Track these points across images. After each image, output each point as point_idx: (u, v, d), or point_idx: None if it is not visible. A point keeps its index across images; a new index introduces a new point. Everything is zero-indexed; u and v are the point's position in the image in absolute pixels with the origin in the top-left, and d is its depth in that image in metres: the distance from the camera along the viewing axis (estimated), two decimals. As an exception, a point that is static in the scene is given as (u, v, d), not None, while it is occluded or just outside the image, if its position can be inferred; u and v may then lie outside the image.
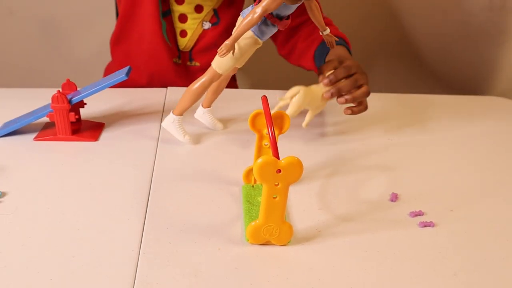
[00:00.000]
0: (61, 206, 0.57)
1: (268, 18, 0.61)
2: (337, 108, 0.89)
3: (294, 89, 0.71)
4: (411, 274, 0.49)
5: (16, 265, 0.47)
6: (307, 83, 0.74)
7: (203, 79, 0.67)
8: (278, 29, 0.63)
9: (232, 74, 0.72)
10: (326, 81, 0.73)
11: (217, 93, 0.75)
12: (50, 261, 0.48)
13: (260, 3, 0.58)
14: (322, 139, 0.77)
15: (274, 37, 0.97)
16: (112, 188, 0.61)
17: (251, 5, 0.62)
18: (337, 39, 0.72)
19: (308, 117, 0.74)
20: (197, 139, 0.75)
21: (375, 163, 0.71)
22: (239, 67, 0.68)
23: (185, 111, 0.71)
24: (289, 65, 1.25)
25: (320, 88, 0.73)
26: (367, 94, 0.74)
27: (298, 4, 0.59)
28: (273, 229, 0.51)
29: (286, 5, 0.59)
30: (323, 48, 0.86)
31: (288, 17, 0.63)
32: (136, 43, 0.98)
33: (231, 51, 0.61)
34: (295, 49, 0.94)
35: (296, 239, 0.53)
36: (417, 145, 0.77)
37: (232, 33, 0.61)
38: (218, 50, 0.61)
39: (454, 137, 0.81)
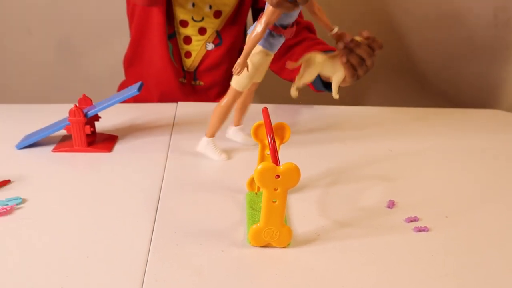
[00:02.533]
0: (77, 211, 0.61)
1: (273, 30, 0.64)
2: (339, 120, 0.93)
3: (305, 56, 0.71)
4: (404, 275, 0.52)
5: (36, 263, 0.51)
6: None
7: (226, 99, 0.70)
8: (285, 38, 0.66)
9: (254, 89, 0.75)
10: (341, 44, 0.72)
11: (243, 110, 0.78)
12: (67, 260, 0.52)
13: (261, 17, 0.62)
14: (323, 150, 0.81)
15: None
16: (124, 195, 0.65)
17: (256, 23, 0.66)
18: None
19: (333, 86, 0.74)
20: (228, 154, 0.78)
21: (374, 173, 0.74)
22: (258, 81, 0.71)
23: (216, 132, 0.74)
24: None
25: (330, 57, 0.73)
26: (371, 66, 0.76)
27: (299, 10, 0.62)
28: (273, 231, 0.54)
29: (286, 13, 0.62)
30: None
31: (292, 25, 0.65)
32: (146, 64, 1.03)
33: (245, 68, 0.64)
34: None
35: (295, 242, 0.57)
36: (416, 155, 0.80)
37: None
38: (233, 70, 0.64)
39: (452, 148, 0.84)
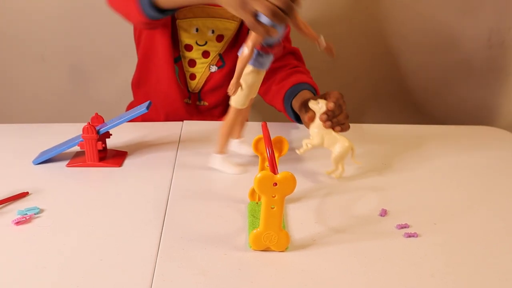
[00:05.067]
0: (90, 220, 0.66)
1: (260, 50, 0.69)
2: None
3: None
4: (395, 277, 0.56)
5: (54, 266, 0.56)
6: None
7: (228, 118, 0.76)
8: (273, 56, 0.71)
9: (250, 104, 0.79)
10: (324, 117, 0.78)
11: (241, 124, 0.83)
12: (82, 263, 0.56)
13: (247, 40, 0.67)
14: (321, 164, 0.85)
15: None
16: (133, 206, 0.70)
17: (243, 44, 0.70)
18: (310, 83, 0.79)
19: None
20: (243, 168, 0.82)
21: (368, 184, 0.78)
22: (253, 96, 0.76)
23: (224, 148, 0.79)
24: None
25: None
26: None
27: (283, 27, 0.67)
28: (272, 236, 0.58)
29: (278, 28, 0.67)
30: (291, 93, 0.96)
31: (279, 42, 0.70)
32: (153, 85, 1.10)
33: (239, 88, 0.69)
34: (269, 90, 1.04)
35: (293, 246, 0.61)
36: (408, 168, 0.85)
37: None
38: (228, 91, 0.69)
39: (443, 161, 0.88)
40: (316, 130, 0.78)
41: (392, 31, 1.57)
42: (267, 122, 0.67)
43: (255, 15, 0.66)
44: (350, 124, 0.80)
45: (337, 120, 0.78)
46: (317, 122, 0.78)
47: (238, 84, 0.69)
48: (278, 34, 0.67)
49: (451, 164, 0.87)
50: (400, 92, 1.68)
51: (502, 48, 1.63)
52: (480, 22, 1.57)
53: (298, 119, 0.95)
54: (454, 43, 1.60)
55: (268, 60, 0.72)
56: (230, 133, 0.78)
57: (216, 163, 0.80)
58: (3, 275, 0.54)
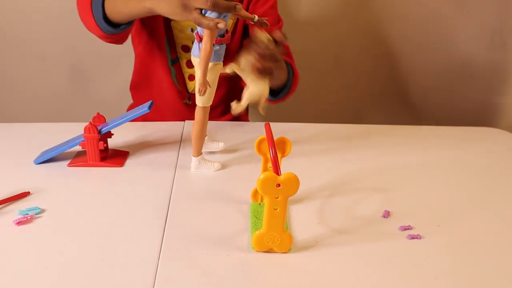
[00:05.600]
0: (91, 220, 0.65)
1: (215, 43, 0.70)
2: (338, 136, 0.98)
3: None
4: (398, 278, 0.56)
5: (55, 266, 0.56)
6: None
7: (197, 119, 0.77)
8: (226, 44, 0.73)
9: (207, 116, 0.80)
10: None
11: (202, 139, 0.81)
12: (83, 264, 0.56)
13: (204, 38, 0.68)
14: (323, 165, 0.85)
15: None
16: (135, 206, 0.69)
17: (196, 44, 0.71)
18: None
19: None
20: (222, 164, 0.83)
21: (371, 185, 0.78)
22: (214, 90, 0.77)
23: (201, 150, 0.80)
24: (298, 100, 1.33)
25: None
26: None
27: (228, 16, 0.69)
28: (275, 237, 0.58)
29: (223, 18, 0.68)
30: None
31: (227, 31, 0.72)
32: (151, 88, 1.10)
33: (207, 86, 0.71)
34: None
35: (296, 248, 0.60)
36: (410, 169, 0.84)
37: (196, 73, 0.71)
38: (197, 93, 0.71)
39: (445, 161, 0.88)
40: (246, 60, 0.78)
41: (394, 31, 1.57)
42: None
43: (200, 13, 0.68)
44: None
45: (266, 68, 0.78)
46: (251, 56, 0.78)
47: (206, 83, 0.71)
48: (225, 23, 0.69)
49: (453, 165, 0.87)
50: (402, 92, 1.67)
51: (504, 49, 1.63)
52: (483, 23, 1.57)
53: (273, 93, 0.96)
54: (456, 44, 1.60)
55: (223, 50, 0.73)
56: (202, 134, 0.79)
57: (196, 166, 0.80)
58: (4, 275, 0.54)
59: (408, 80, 1.65)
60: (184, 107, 1.09)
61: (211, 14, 0.68)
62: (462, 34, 1.58)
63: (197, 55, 0.72)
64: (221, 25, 0.68)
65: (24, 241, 0.60)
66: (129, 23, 0.92)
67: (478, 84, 1.67)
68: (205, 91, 0.70)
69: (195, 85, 0.73)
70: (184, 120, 1.05)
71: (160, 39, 1.03)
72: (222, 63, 0.74)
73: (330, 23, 1.53)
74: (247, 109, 1.23)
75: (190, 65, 1.07)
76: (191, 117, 1.11)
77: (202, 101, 0.76)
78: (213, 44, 0.70)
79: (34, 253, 0.58)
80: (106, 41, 0.96)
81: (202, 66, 0.69)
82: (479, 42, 1.60)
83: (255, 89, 0.80)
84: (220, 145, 0.87)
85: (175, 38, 1.04)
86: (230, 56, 1.06)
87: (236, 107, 0.82)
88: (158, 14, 0.78)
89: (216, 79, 0.75)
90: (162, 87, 1.08)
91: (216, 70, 0.74)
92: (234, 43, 1.07)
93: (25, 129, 0.98)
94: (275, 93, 1.00)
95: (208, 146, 0.86)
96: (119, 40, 0.97)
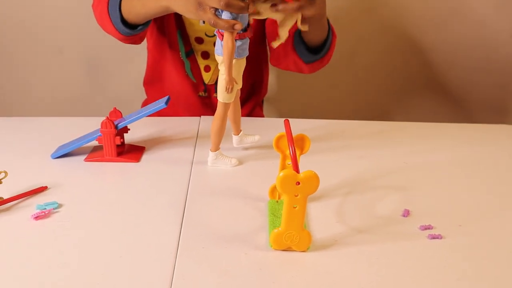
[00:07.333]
0: (109, 216, 0.65)
1: (237, 38, 0.69)
2: (356, 133, 0.96)
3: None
4: (419, 279, 0.55)
5: (73, 262, 0.56)
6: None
7: (218, 114, 0.76)
8: (250, 39, 0.71)
9: (238, 96, 0.80)
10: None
11: (237, 121, 0.82)
12: (101, 260, 0.56)
13: (224, 37, 0.67)
14: (342, 162, 0.84)
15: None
16: (152, 202, 0.69)
17: (219, 42, 0.71)
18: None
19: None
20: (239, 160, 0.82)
21: (390, 184, 0.77)
22: (240, 87, 0.76)
23: (219, 145, 0.79)
24: (314, 96, 1.31)
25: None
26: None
27: (246, 13, 0.68)
28: (294, 236, 0.57)
29: (241, 16, 0.68)
30: (298, 35, 0.94)
31: (249, 24, 0.71)
32: (165, 82, 1.09)
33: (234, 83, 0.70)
34: (278, 51, 1.02)
35: (314, 246, 0.60)
36: (430, 167, 0.83)
37: (220, 70, 0.70)
38: (225, 90, 0.70)
39: (466, 160, 0.86)
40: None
41: (413, 26, 1.54)
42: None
43: (215, 13, 0.68)
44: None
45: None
46: None
47: (233, 81, 0.70)
48: (242, 24, 0.68)
49: (475, 163, 0.85)
50: (418, 89, 1.65)
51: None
52: (504, 17, 1.54)
53: (312, 52, 0.95)
54: (477, 39, 1.56)
55: (246, 45, 0.72)
56: (221, 129, 0.77)
57: (212, 160, 0.80)
58: (22, 270, 0.54)
59: (426, 77, 1.63)
60: (197, 100, 1.09)
61: (225, 14, 0.68)
62: (482, 31, 1.55)
63: (220, 53, 0.71)
64: (237, 27, 0.67)
65: (41, 236, 0.60)
66: (146, 23, 0.93)
67: (498, 80, 1.64)
68: (232, 88, 0.70)
69: (218, 80, 0.73)
70: (197, 114, 1.05)
71: (172, 33, 1.03)
72: (245, 58, 0.73)
73: (348, 18, 1.51)
74: (261, 104, 1.22)
75: (205, 56, 1.06)
76: (204, 111, 1.11)
77: (225, 98, 0.74)
78: (236, 40, 0.69)
79: (52, 248, 0.58)
80: (125, 43, 0.97)
81: (227, 64, 0.69)
82: (499, 38, 1.57)
83: (287, 22, 0.76)
84: (256, 138, 0.85)
85: (187, 31, 1.04)
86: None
87: (276, 42, 0.78)
88: (174, 12, 0.78)
89: (240, 75, 0.74)
90: (175, 81, 1.07)
91: (241, 66, 0.73)
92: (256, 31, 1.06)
93: (42, 123, 0.98)
94: (317, 51, 0.97)
95: (244, 140, 0.85)
96: (137, 40, 0.98)
